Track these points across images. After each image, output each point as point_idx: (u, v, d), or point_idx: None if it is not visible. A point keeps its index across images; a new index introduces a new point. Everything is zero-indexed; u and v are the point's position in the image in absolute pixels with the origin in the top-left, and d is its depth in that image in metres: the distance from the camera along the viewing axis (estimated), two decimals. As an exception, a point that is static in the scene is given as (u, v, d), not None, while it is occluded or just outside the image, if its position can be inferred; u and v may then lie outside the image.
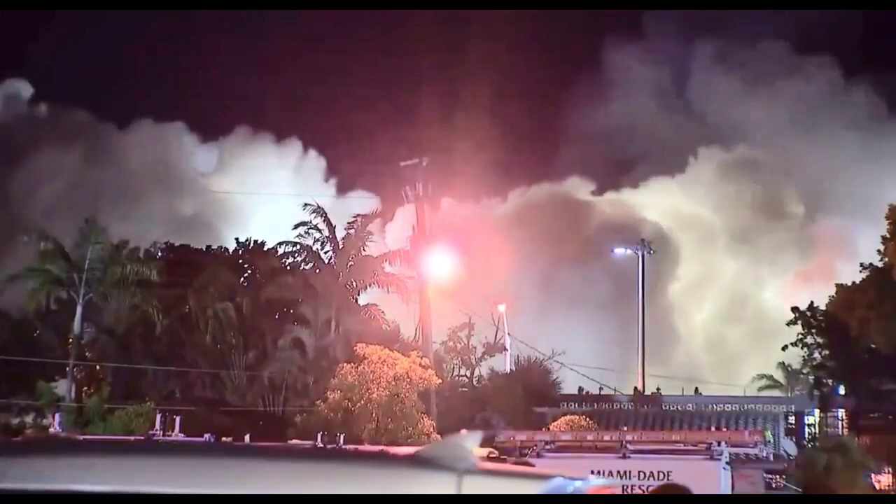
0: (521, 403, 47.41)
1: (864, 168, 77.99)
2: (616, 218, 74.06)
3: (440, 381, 41.84)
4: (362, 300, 49.09)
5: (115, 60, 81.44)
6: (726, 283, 79.74)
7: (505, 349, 54.26)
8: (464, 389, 51.11)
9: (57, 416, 25.71)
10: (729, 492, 19.78)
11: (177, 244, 54.43)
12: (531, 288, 66.16)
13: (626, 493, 19.60)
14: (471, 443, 4.32)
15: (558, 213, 76.12)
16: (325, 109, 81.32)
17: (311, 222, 49.04)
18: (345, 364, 39.40)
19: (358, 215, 49.96)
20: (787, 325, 51.69)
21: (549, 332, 56.02)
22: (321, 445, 23.69)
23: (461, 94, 71.84)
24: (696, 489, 6.40)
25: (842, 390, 51.96)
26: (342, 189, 77.63)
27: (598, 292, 68.10)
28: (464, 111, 69.85)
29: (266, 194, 67.77)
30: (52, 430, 19.69)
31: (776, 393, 58.32)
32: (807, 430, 52.91)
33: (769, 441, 33.29)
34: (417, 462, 4.40)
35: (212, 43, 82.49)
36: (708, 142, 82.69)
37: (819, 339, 51.00)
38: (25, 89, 79.13)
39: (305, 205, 49.56)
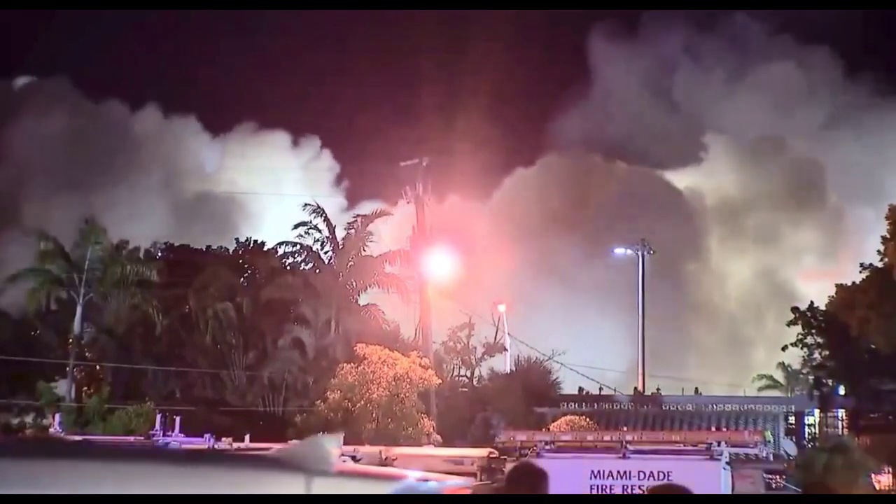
0: (521, 403, 47.39)
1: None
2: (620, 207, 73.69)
3: (440, 381, 41.85)
4: (362, 300, 49.09)
5: (117, 58, 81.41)
6: (744, 279, 79.53)
7: (505, 349, 54.26)
8: (464, 389, 51.11)
9: (57, 416, 25.73)
10: (729, 492, 19.77)
11: (177, 244, 54.48)
12: (531, 286, 66.02)
13: (626, 493, 19.61)
14: (331, 444, 4.40)
15: (562, 188, 76.11)
16: (324, 108, 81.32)
17: (311, 222, 49.07)
18: (345, 364, 39.40)
19: (358, 215, 49.99)
20: (787, 325, 51.68)
21: (549, 332, 55.98)
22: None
23: (462, 94, 71.98)
24: (696, 489, 6.39)
25: (842, 390, 51.93)
26: (341, 188, 77.79)
27: (600, 289, 67.89)
28: (464, 111, 69.99)
29: (267, 194, 67.70)
30: (52, 430, 19.66)
31: (776, 393, 58.31)
32: (807, 430, 52.89)
33: (769, 441, 33.25)
34: (269, 463, 4.50)
35: (215, 40, 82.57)
36: (711, 143, 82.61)
37: (819, 339, 50.97)
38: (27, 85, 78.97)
39: (305, 205, 49.60)
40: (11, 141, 72.45)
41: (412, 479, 4.61)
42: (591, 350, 59.50)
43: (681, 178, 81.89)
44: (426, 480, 4.71)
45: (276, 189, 68.41)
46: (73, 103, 76.03)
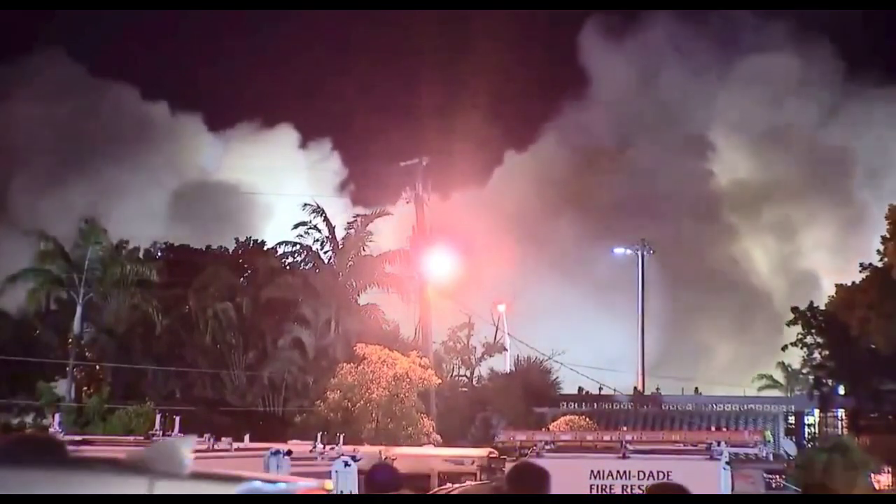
0: (521, 403, 47.41)
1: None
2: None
3: (440, 381, 41.87)
4: (362, 300, 49.08)
5: (120, 54, 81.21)
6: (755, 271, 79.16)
7: (505, 349, 54.25)
8: (464, 389, 51.12)
9: (57, 416, 25.76)
10: (729, 492, 19.77)
11: (177, 244, 54.49)
12: (531, 285, 65.88)
13: (626, 493, 19.62)
14: (183, 446, 4.45)
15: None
16: (325, 107, 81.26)
17: (310, 222, 49.07)
18: (345, 364, 39.43)
19: (358, 215, 49.96)
20: (787, 325, 51.70)
21: (549, 332, 55.92)
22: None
23: (462, 94, 72.01)
24: (696, 489, 6.40)
25: (842, 390, 51.96)
26: (342, 187, 77.78)
27: (601, 287, 67.70)
28: (464, 110, 70.06)
29: (269, 194, 67.55)
30: (51, 430, 19.67)
31: (776, 393, 58.31)
32: (807, 430, 52.90)
33: (769, 441, 33.29)
34: (116, 465, 4.55)
35: (216, 39, 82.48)
36: (717, 138, 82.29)
37: (819, 339, 51.00)
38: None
39: (305, 205, 49.61)
40: (8, 127, 71.96)
41: (258, 481, 4.66)
42: (591, 350, 59.44)
43: (691, 171, 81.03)
44: (274, 482, 4.76)
45: (276, 188, 68.40)
46: (76, 97, 75.62)
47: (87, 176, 68.98)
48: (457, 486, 25.20)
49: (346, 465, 22.85)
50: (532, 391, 49.58)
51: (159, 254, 52.89)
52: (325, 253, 49.32)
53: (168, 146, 76.98)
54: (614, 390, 55.63)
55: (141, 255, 50.55)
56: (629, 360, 60.47)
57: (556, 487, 7.05)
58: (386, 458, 22.56)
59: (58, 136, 72.34)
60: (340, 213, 51.95)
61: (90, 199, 61.69)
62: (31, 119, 72.68)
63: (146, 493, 4.36)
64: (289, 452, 21.64)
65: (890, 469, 43.39)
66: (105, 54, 79.67)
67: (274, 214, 65.69)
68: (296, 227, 49.24)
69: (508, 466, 17.45)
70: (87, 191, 65.79)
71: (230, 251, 53.50)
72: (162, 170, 74.43)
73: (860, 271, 49.86)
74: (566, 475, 17.39)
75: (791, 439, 48.61)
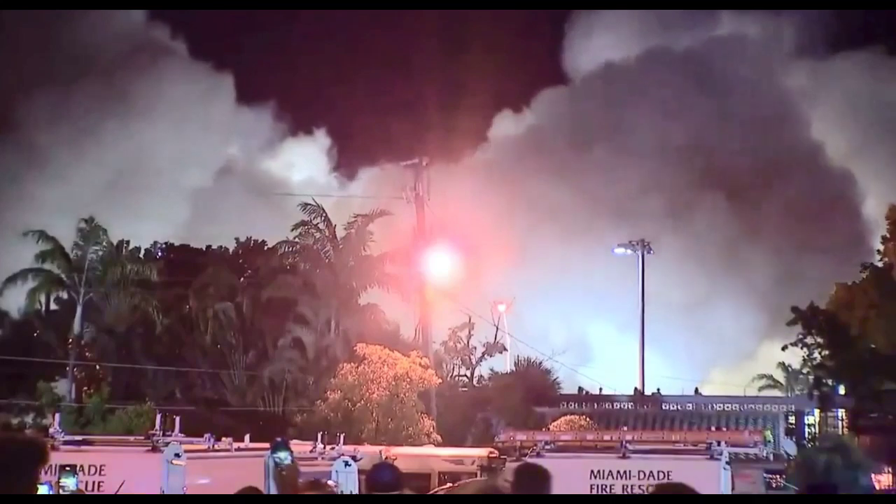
0: (521, 403, 47.41)
1: None
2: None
3: (440, 381, 41.88)
4: (362, 300, 49.07)
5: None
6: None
7: (505, 349, 54.25)
8: (464, 389, 51.14)
9: (57, 416, 25.76)
10: (729, 492, 19.77)
11: (177, 244, 54.53)
12: (532, 282, 65.74)
13: (626, 492, 19.62)
14: None
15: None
16: (325, 106, 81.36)
17: (311, 222, 49.03)
18: (345, 364, 39.44)
19: (358, 215, 49.90)
20: (787, 324, 51.60)
21: (549, 332, 55.94)
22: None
23: (462, 92, 72.13)
24: (696, 489, 6.41)
25: (842, 390, 51.91)
26: (342, 186, 77.79)
27: (601, 286, 67.50)
28: (464, 109, 70.21)
29: (274, 194, 67.58)
30: (52, 429, 19.67)
31: (776, 393, 58.30)
32: (807, 430, 52.89)
33: (769, 441, 33.26)
34: None
35: (216, 36, 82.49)
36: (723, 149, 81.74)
37: (819, 339, 50.93)
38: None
39: (306, 205, 49.57)
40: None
41: None
42: (591, 349, 59.48)
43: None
44: None
45: (275, 186, 68.39)
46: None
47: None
48: (457, 484, 25.21)
49: (347, 465, 22.82)
50: (532, 391, 49.57)
51: (159, 254, 52.94)
52: (326, 253, 49.30)
53: (182, 143, 76.68)
54: (614, 390, 55.67)
55: (141, 254, 50.59)
56: (629, 359, 60.48)
57: (557, 487, 7.06)
58: (386, 458, 22.54)
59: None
60: (340, 212, 51.78)
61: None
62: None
63: None
64: (288, 452, 21.60)
65: (890, 469, 43.40)
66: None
67: (275, 213, 65.67)
68: (296, 227, 49.24)
69: (509, 466, 17.48)
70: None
71: (230, 251, 53.52)
72: (174, 169, 74.04)
73: (860, 271, 49.87)
74: (566, 475, 17.41)
75: (791, 439, 48.57)
